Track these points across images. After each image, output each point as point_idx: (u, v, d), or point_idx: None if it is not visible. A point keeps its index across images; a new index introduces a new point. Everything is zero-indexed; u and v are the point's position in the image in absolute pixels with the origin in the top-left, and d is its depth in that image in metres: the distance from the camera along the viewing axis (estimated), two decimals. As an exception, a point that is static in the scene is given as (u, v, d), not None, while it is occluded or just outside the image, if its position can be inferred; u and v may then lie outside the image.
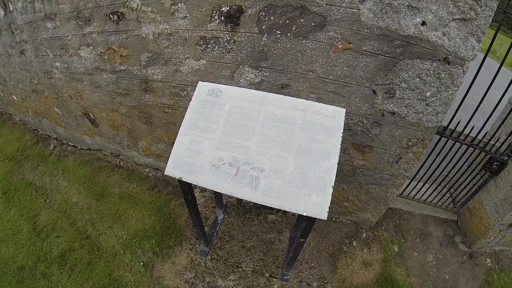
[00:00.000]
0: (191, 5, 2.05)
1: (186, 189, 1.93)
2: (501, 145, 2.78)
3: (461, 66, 1.79)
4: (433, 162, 2.84)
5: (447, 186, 3.30)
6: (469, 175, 3.01)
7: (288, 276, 2.43)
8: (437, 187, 3.20)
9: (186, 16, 2.12)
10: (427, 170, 2.94)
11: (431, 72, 1.84)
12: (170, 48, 2.33)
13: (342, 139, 2.12)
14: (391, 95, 1.95)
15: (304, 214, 1.56)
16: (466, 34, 1.69)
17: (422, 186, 3.15)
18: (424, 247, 3.05)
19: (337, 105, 1.95)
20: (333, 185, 1.58)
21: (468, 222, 3.26)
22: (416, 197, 3.30)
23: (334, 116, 1.73)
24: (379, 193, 2.51)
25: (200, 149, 1.81)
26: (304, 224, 1.76)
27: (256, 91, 1.90)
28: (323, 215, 1.54)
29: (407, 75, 1.87)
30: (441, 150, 2.71)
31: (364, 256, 2.69)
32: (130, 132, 3.13)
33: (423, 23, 1.69)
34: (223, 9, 1.98)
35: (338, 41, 1.85)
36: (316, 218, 1.61)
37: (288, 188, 1.61)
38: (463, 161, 2.92)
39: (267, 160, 1.69)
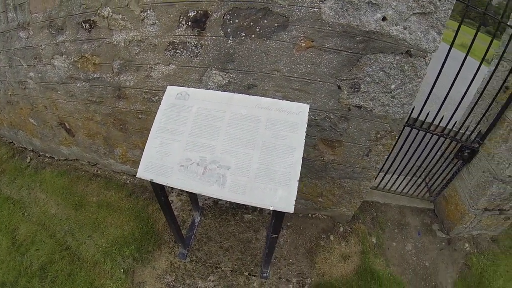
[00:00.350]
0: (160, 11, 2.12)
1: (158, 191, 1.98)
2: (471, 133, 2.91)
3: (424, 58, 1.90)
4: (405, 153, 2.95)
5: (421, 176, 3.42)
6: (442, 164, 3.13)
7: (267, 274, 2.50)
8: (411, 178, 3.32)
9: (155, 23, 2.18)
10: (400, 162, 3.05)
11: (394, 65, 1.94)
12: (140, 54, 2.39)
13: (311, 135, 2.21)
14: (356, 89, 2.05)
15: (271, 208, 1.64)
16: (426, 27, 1.80)
17: (397, 178, 3.27)
18: (403, 237, 3.16)
19: (303, 102, 2.03)
20: (298, 179, 1.66)
21: (445, 210, 3.40)
22: (392, 189, 3.42)
23: (298, 112, 1.81)
24: (352, 187, 2.61)
25: (169, 151, 1.87)
26: (274, 219, 1.83)
27: (222, 92, 1.98)
28: (290, 209, 1.61)
29: (371, 69, 1.97)
30: (412, 142, 2.82)
31: (342, 250, 2.78)
32: (106, 140, 3.16)
33: (384, 19, 1.79)
34: (190, 14, 2.06)
35: (301, 40, 1.94)
36: (284, 213, 1.68)
37: (254, 184, 1.68)
38: (437, 151, 3.04)
39: (233, 158, 1.76)
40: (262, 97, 1.88)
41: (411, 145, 2.87)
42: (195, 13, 2.04)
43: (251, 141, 1.77)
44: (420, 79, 1.98)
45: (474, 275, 3.17)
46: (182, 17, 2.08)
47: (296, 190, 1.63)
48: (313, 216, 2.98)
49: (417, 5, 1.73)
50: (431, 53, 1.89)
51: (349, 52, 1.91)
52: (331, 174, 2.53)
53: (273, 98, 1.95)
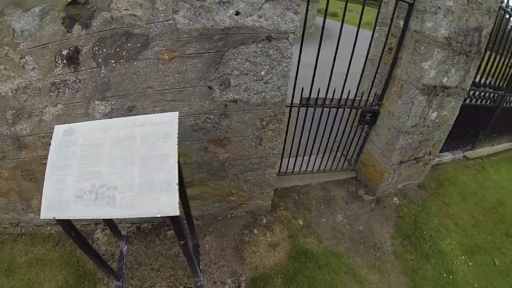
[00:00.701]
0: (36, 55, 2.39)
1: (66, 227, 2.24)
2: (367, 98, 3.40)
3: (286, 39, 2.30)
4: (309, 132, 3.40)
5: (333, 149, 3.91)
6: (349, 133, 3.63)
7: (201, 282, 2.80)
8: (324, 153, 3.79)
9: (35, 67, 2.45)
10: (307, 142, 3.50)
11: (259, 52, 2.31)
12: (29, 100, 2.63)
13: (199, 139, 2.55)
14: (227, 85, 2.41)
15: (158, 215, 1.95)
16: (282, 10, 2.18)
17: (309, 158, 3.74)
18: (331, 210, 3.60)
19: (181, 110, 2.39)
20: (177, 182, 1.98)
21: (365, 174, 3.94)
22: (308, 169, 3.87)
23: (169, 121, 2.15)
24: (258, 178, 2.99)
25: (64, 186, 2.14)
26: (173, 226, 2.17)
27: (101, 120, 2.30)
28: (175, 212, 1.92)
29: (236, 63, 2.33)
30: (312, 120, 3.26)
31: (269, 239, 3.15)
32: (20, 195, 3.36)
33: (237, 13, 2.14)
34: (63, 52, 2.35)
35: (164, 53, 2.28)
36: (177, 217, 2.01)
37: (140, 197, 2.00)
38: (339, 122, 3.53)
39: (118, 178, 2.08)
40: (136, 116, 2.20)
41: (312, 122, 3.31)
42: (67, 51, 2.34)
43: (130, 159, 2.09)
44: (288, 59, 2.38)
45: (408, 224, 3.70)
46: (57, 56, 2.37)
47: (177, 193, 1.94)
48: (232, 215, 3.33)
49: (270, -8, 2.09)
50: (292, 32, 2.28)
51: (210, 52, 2.27)
52: (232, 171, 2.89)
53: (152, 113, 2.28)
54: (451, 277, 3.52)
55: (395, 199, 3.98)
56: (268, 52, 2.33)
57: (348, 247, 3.39)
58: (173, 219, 2.08)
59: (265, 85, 2.46)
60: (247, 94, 2.48)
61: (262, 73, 2.41)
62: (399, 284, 3.27)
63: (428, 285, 3.36)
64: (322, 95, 3.21)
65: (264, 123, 2.64)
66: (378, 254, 3.45)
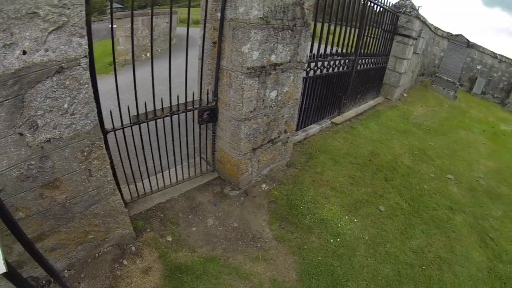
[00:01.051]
0: None
1: None
2: (200, 97, 3.97)
3: (79, 65, 2.60)
4: (150, 147, 3.83)
5: (182, 156, 4.38)
6: (193, 135, 4.19)
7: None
8: (175, 163, 4.27)
9: None
10: (153, 157, 3.93)
11: (56, 86, 2.56)
12: None
13: (31, 188, 2.76)
14: (35, 127, 2.63)
15: None
16: (67, 37, 2.45)
17: (163, 173, 4.18)
18: (200, 217, 4.06)
19: (1, 164, 2.54)
20: None
21: (225, 170, 4.50)
22: (168, 184, 4.31)
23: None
24: (105, 208, 3.28)
25: None
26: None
27: None
28: (1, 269, 2.11)
29: (37, 103, 2.55)
30: (149, 135, 3.69)
31: (140, 266, 3.46)
32: None
33: (24, 52, 2.34)
34: None
35: None
36: (8, 273, 2.25)
37: None
38: (191, 128, 4.05)
39: None
40: None
41: (150, 138, 3.74)
42: None
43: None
44: (86, 84, 2.69)
45: (282, 205, 4.34)
46: None
47: (0, 249, 2.11)
48: (100, 254, 3.55)
49: (49, 24, 2.33)
50: (84, 57, 2.60)
51: (9, 99, 2.44)
52: (76, 210, 3.14)
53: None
54: (338, 240, 4.21)
55: (264, 185, 4.56)
56: (65, 84, 2.60)
57: (225, 248, 3.82)
58: (6, 276, 2.32)
59: (72, 116, 2.74)
60: (58, 131, 2.73)
61: (65, 105, 2.67)
62: (288, 266, 3.82)
63: (317, 255, 3.97)
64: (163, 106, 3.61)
65: (86, 154, 2.93)
66: (259, 245, 3.96)
